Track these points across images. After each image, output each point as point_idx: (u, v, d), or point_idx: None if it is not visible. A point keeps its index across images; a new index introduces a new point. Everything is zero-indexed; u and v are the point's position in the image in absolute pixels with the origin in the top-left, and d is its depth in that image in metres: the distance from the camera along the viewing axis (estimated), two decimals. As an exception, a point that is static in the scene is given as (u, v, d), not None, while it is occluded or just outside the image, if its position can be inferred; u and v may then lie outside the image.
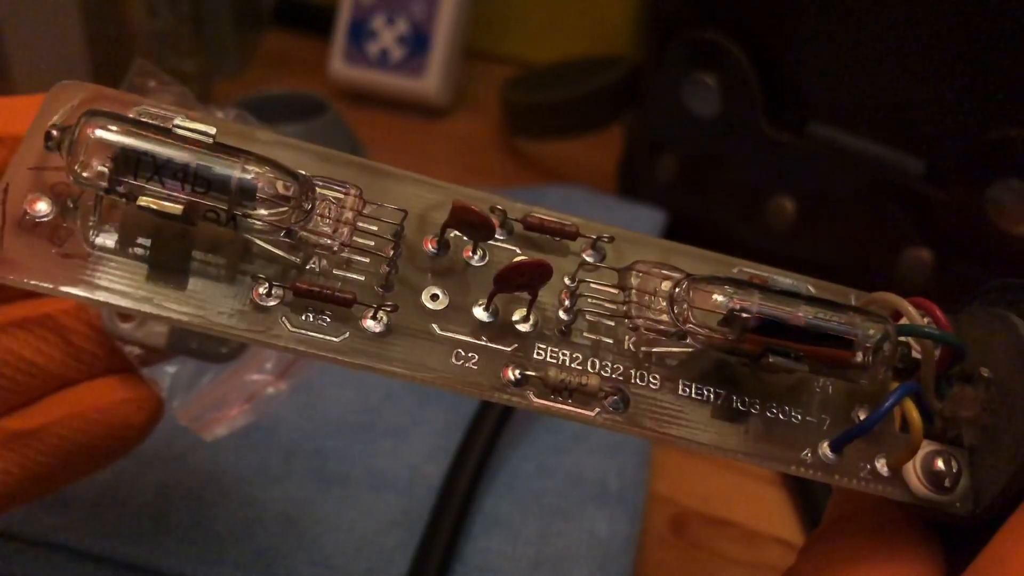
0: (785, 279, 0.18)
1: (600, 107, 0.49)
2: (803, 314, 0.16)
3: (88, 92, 0.16)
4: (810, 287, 0.18)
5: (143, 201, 0.15)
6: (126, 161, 0.15)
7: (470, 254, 0.17)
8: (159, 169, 0.15)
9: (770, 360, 0.16)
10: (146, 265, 0.16)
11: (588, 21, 0.59)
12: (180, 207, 0.15)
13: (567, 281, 0.17)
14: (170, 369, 0.25)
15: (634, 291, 0.17)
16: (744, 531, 0.33)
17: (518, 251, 0.17)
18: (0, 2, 0.48)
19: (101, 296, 0.15)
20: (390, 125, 0.57)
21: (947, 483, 0.17)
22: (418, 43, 0.56)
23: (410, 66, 0.56)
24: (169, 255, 0.16)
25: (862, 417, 0.17)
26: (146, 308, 0.15)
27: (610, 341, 0.17)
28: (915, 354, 0.17)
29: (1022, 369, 0.16)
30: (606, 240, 0.17)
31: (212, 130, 0.15)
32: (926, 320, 0.17)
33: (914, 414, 0.16)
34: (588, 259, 0.17)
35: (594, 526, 0.30)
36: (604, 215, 0.45)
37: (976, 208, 0.33)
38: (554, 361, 0.16)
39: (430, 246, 0.17)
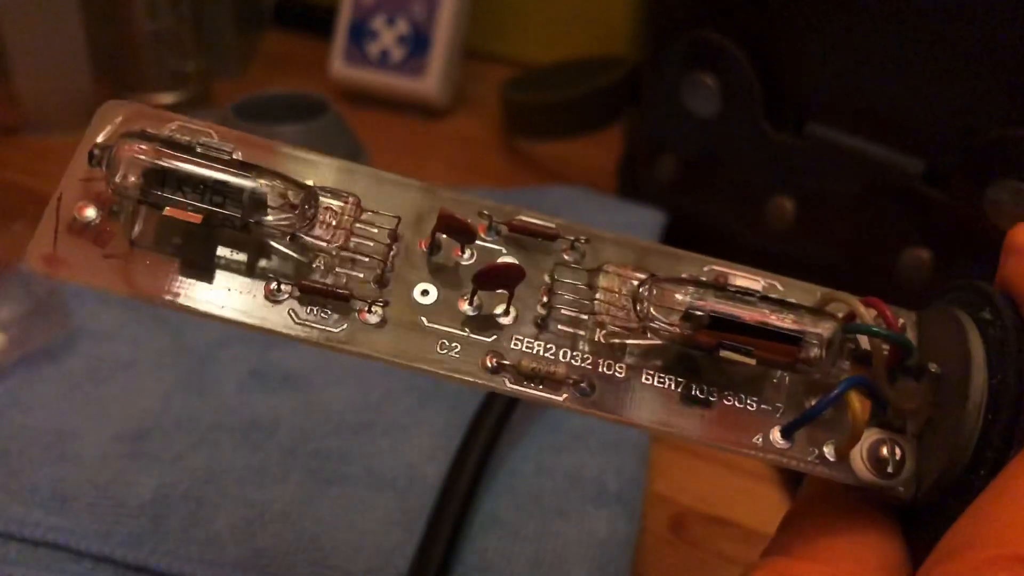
0: (750, 277, 0.19)
1: (600, 107, 0.50)
2: (752, 313, 0.18)
3: (129, 110, 0.18)
4: (778, 284, 0.19)
5: (168, 212, 0.17)
6: (155, 176, 0.17)
7: (460, 253, 0.19)
8: (182, 183, 0.17)
9: (721, 354, 0.17)
10: (178, 262, 0.18)
11: (588, 21, 0.59)
12: (199, 217, 0.17)
13: (546, 279, 0.19)
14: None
15: (601, 290, 0.19)
16: (744, 531, 0.33)
17: (504, 251, 0.19)
18: (0, 2, 0.48)
19: (132, 292, 0.18)
20: (390, 125, 0.57)
21: (890, 469, 0.18)
22: (418, 43, 0.56)
23: (410, 66, 0.56)
24: (198, 254, 0.18)
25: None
26: (179, 301, 0.18)
27: (582, 333, 0.19)
28: (866, 346, 0.19)
29: (964, 366, 0.17)
30: (582, 242, 0.19)
31: (230, 148, 0.18)
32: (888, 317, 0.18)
33: (855, 405, 0.17)
34: (567, 258, 0.19)
35: (593, 526, 0.30)
36: (603, 215, 0.45)
37: (975, 208, 0.33)
38: (529, 351, 0.18)
39: (423, 247, 0.19)
